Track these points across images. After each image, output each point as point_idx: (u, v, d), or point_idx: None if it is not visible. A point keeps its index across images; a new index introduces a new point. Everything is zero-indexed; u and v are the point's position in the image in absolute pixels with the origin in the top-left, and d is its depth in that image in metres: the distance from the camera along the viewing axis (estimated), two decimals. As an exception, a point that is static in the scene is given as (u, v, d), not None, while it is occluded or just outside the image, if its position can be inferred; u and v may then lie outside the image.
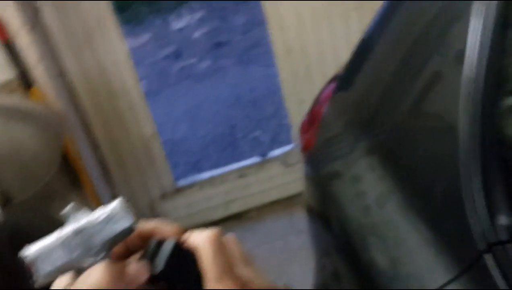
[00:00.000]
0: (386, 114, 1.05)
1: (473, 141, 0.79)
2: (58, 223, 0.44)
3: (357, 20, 2.15)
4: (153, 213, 2.36)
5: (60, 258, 0.41)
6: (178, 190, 2.41)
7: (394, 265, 0.96)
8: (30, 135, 1.61)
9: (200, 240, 0.44)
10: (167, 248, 0.44)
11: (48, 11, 1.92)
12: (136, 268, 0.43)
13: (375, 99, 1.11)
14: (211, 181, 2.43)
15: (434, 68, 0.95)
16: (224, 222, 2.42)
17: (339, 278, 1.18)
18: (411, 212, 0.92)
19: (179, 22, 4.94)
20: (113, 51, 2.06)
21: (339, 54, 2.19)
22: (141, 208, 2.34)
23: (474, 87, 0.80)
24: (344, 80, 1.28)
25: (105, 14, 2.01)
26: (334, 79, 1.38)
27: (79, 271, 0.44)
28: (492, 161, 0.78)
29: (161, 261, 0.44)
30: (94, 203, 1.92)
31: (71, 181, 1.82)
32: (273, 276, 2.06)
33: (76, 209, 0.43)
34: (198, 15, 4.94)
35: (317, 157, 1.26)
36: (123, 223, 0.43)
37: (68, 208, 0.44)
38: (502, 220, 0.76)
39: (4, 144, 1.59)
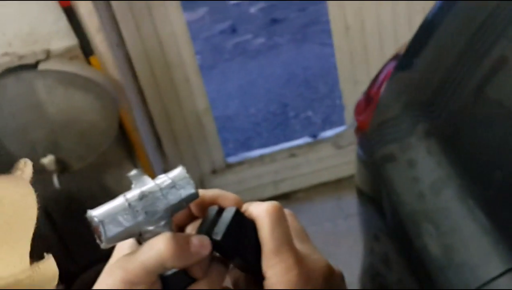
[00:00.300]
0: (447, 97, 1.02)
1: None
2: (112, 193, 0.44)
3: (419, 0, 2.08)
4: (203, 188, 2.39)
5: (125, 221, 0.41)
6: (228, 167, 2.43)
7: (447, 253, 0.93)
8: (89, 104, 1.65)
9: (260, 211, 0.44)
10: (227, 216, 0.44)
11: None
12: (200, 241, 0.42)
13: (436, 81, 1.07)
14: (261, 159, 2.43)
15: (500, 52, 0.91)
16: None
17: (389, 263, 1.16)
18: (468, 199, 0.89)
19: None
20: (171, 23, 2.07)
21: (399, 35, 2.12)
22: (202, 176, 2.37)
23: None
24: (405, 60, 1.24)
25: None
26: (393, 58, 1.34)
27: (139, 240, 0.44)
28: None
29: (221, 228, 0.43)
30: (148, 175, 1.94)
31: (126, 152, 1.86)
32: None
33: (141, 174, 0.44)
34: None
35: (372, 139, 1.24)
36: (186, 190, 0.44)
37: (133, 172, 0.44)
38: None
39: (64, 111, 1.63)
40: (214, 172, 2.42)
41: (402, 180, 1.09)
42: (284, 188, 2.44)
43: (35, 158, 1.64)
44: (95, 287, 0.42)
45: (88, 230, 0.42)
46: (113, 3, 1.97)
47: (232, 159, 2.47)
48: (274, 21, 4.39)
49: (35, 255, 0.30)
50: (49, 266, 0.31)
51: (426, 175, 1.00)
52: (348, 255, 2.01)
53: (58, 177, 1.69)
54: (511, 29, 0.90)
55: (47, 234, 2.02)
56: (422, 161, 1.02)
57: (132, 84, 2.10)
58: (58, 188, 1.69)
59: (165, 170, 0.57)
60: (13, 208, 0.29)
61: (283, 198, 2.44)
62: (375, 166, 1.20)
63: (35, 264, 0.30)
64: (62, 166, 1.70)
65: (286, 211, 0.46)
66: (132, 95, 2.04)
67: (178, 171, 0.44)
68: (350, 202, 1.38)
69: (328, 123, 3.02)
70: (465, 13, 1.08)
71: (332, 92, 3.27)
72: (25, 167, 0.32)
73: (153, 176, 0.44)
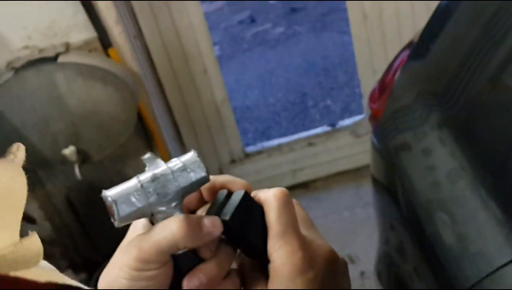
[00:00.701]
0: (462, 86, 1.01)
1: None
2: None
3: (438, -13, 2.05)
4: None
5: (137, 202, 0.43)
6: (247, 156, 2.44)
7: (462, 242, 0.93)
8: (108, 95, 1.67)
9: (268, 195, 0.45)
10: (236, 198, 0.45)
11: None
12: (211, 222, 0.43)
13: (450, 70, 1.06)
14: (279, 148, 2.43)
15: None
16: (291, 191, 2.43)
17: (404, 252, 1.16)
18: (481, 189, 0.88)
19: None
20: (188, 15, 2.09)
21: (417, 23, 2.10)
22: (211, 172, 2.39)
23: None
24: (419, 48, 1.23)
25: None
26: (408, 46, 1.33)
27: (152, 221, 0.45)
28: None
29: (229, 210, 0.45)
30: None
31: (146, 143, 1.88)
32: (338, 246, 2.06)
33: (154, 157, 0.45)
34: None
35: (386, 127, 1.23)
36: (197, 174, 0.45)
37: (147, 155, 0.46)
38: None
39: (84, 103, 1.66)
40: (233, 161, 2.44)
41: (416, 169, 1.08)
42: (303, 177, 2.45)
43: (57, 149, 1.68)
44: (109, 265, 0.44)
45: (109, 219, 0.44)
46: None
47: (250, 149, 2.49)
48: (293, 10, 4.37)
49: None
50: (32, 243, 0.32)
51: (441, 164, 1.00)
52: (367, 243, 2.02)
53: (79, 167, 1.72)
54: None
55: (70, 223, 2.07)
56: (436, 150, 1.02)
57: (151, 75, 2.12)
58: (80, 178, 1.73)
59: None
60: (3, 189, 0.31)
61: (302, 187, 2.45)
62: (390, 154, 1.19)
63: (19, 241, 0.31)
64: (83, 157, 1.74)
65: (294, 200, 0.47)
66: (151, 86, 2.07)
67: (189, 155, 0.46)
68: (369, 191, 1.38)
69: (347, 112, 3.01)
70: (479, 1, 1.06)
71: (351, 80, 3.25)
72: (18, 152, 0.33)
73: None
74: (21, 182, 0.32)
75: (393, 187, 1.19)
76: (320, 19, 4.15)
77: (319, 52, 3.74)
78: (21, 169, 0.32)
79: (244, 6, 4.61)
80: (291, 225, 0.44)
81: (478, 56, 1.00)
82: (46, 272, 0.33)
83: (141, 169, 0.46)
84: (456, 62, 1.06)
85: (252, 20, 4.42)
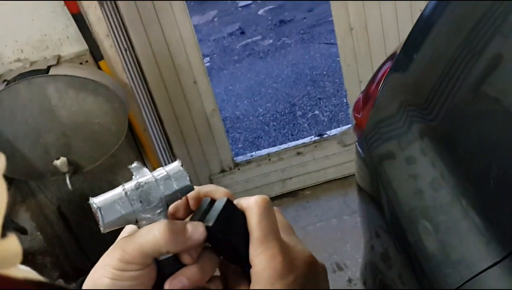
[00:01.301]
0: (442, 96, 1.03)
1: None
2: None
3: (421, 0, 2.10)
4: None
5: (121, 209, 0.45)
6: (237, 166, 2.47)
7: (444, 250, 0.95)
8: (99, 107, 1.69)
9: (249, 202, 0.47)
10: (219, 205, 0.47)
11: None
12: (195, 227, 0.45)
13: (432, 80, 1.08)
14: (268, 158, 2.46)
15: (495, 50, 0.91)
16: (280, 199, 2.47)
17: (388, 260, 1.19)
18: (463, 198, 0.91)
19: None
20: (178, 28, 2.12)
21: (402, 35, 2.15)
22: (201, 181, 2.41)
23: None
24: (401, 59, 1.26)
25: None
26: (391, 57, 1.35)
27: (140, 227, 0.47)
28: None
29: (212, 216, 0.46)
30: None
31: (136, 153, 1.90)
32: (326, 254, 2.09)
33: (141, 166, 0.47)
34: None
35: (370, 137, 1.26)
36: (180, 182, 0.46)
37: (134, 164, 0.47)
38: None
39: (75, 115, 1.68)
40: (223, 171, 2.46)
41: (400, 178, 1.11)
42: (291, 186, 2.48)
43: (48, 160, 1.70)
44: (95, 265, 0.46)
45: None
46: (122, 9, 2.02)
47: (240, 159, 2.51)
48: (282, 22, 4.42)
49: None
50: (11, 244, 0.32)
51: (424, 173, 1.02)
52: (354, 251, 2.05)
53: (70, 178, 1.74)
54: (505, 26, 0.90)
55: (61, 234, 2.08)
56: (419, 159, 1.05)
57: (142, 87, 2.14)
58: (71, 189, 1.74)
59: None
60: None
61: (291, 195, 2.48)
62: (374, 163, 1.22)
63: None
64: (74, 168, 1.75)
65: (274, 207, 0.49)
66: (142, 98, 2.09)
67: (174, 165, 0.47)
68: (356, 199, 1.41)
69: (335, 122, 3.05)
70: (460, 12, 1.08)
71: (339, 91, 3.29)
72: None
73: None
74: (1, 189, 0.32)
75: (377, 195, 1.21)
76: (309, 31, 4.20)
77: (308, 63, 3.78)
78: (1, 177, 0.33)
79: (234, 19, 4.66)
80: (272, 230, 0.46)
81: (458, 67, 1.01)
82: (25, 272, 0.34)
83: (131, 178, 0.47)
84: (437, 73, 1.08)
85: (242, 32, 4.46)
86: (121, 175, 1.93)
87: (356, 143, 1.35)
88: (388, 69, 1.30)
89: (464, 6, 1.08)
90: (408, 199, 1.07)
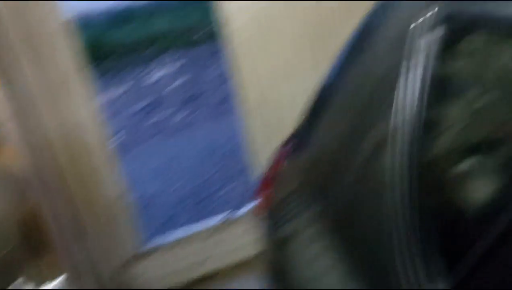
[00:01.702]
0: (334, 180, 1.03)
1: (407, 211, 0.79)
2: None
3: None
4: (128, 274, 2.31)
5: None
6: (149, 251, 2.37)
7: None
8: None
9: None
10: None
11: (21, 66, 1.91)
12: None
13: (325, 162, 1.09)
14: (179, 242, 2.39)
15: (379, 132, 0.93)
16: (197, 283, 2.38)
17: None
18: (353, 284, 0.90)
19: (159, 71, 4.99)
20: (82, 108, 2.04)
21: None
22: (115, 268, 2.28)
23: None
24: (298, 138, 1.27)
25: (73, 69, 1.99)
26: (293, 136, 1.36)
27: None
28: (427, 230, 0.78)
29: None
30: (61, 269, 1.84)
31: (34, 249, 1.77)
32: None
33: (25, 283, 0.43)
34: (178, 64, 5.01)
35: (273, 216, 1.25)
36: None
37: (17, 282, 0.43)
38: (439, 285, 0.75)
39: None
40: (135, 257, 2.35)
41: (302, 258, 1.09)
42: (207, 267, 2.40)
43: None
44: None
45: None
46: (25, 89, 1.92)
47: (154, 242, 2.42)
48: (192, 97, 4.47)
49: None
50: None
51: (319, 258, 1.01)
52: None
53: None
54: (388, 111, 0.93)
55: None
56: (314, 243, 1.04)
57: (48, 172, 2.02)
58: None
59: (85, 259, 0.53)
60: None
61: (204, 280, 2.39)
62: (279, 243, 1.20)
63: None
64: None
65: None
66: (48, 184, 1.97)
67: (59, 280, 0.43)
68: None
69: (248, 198, 3.05)
70: (348, 96, 1.10)
71: (248, 167, 3.32)
72: None
73: (66, 270, 0.42)
74: None
75: (283, 275, 1.19)
76: (220, 104, 4.26)
77: (219, 138, 3.81)
78: None
79: (145, 93, 4.66)
80: None
81: (349, 147, 1.02)
82: None
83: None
84: (330, 155, 1.08)
85: (153, 108, 4.45)
86: (14, 277, 1.77)
87: (262, 222, 1.34)
88: (289, 149, 1.31)
89: (354, 88, 1.11)
90: (309, 281, 1.06)
